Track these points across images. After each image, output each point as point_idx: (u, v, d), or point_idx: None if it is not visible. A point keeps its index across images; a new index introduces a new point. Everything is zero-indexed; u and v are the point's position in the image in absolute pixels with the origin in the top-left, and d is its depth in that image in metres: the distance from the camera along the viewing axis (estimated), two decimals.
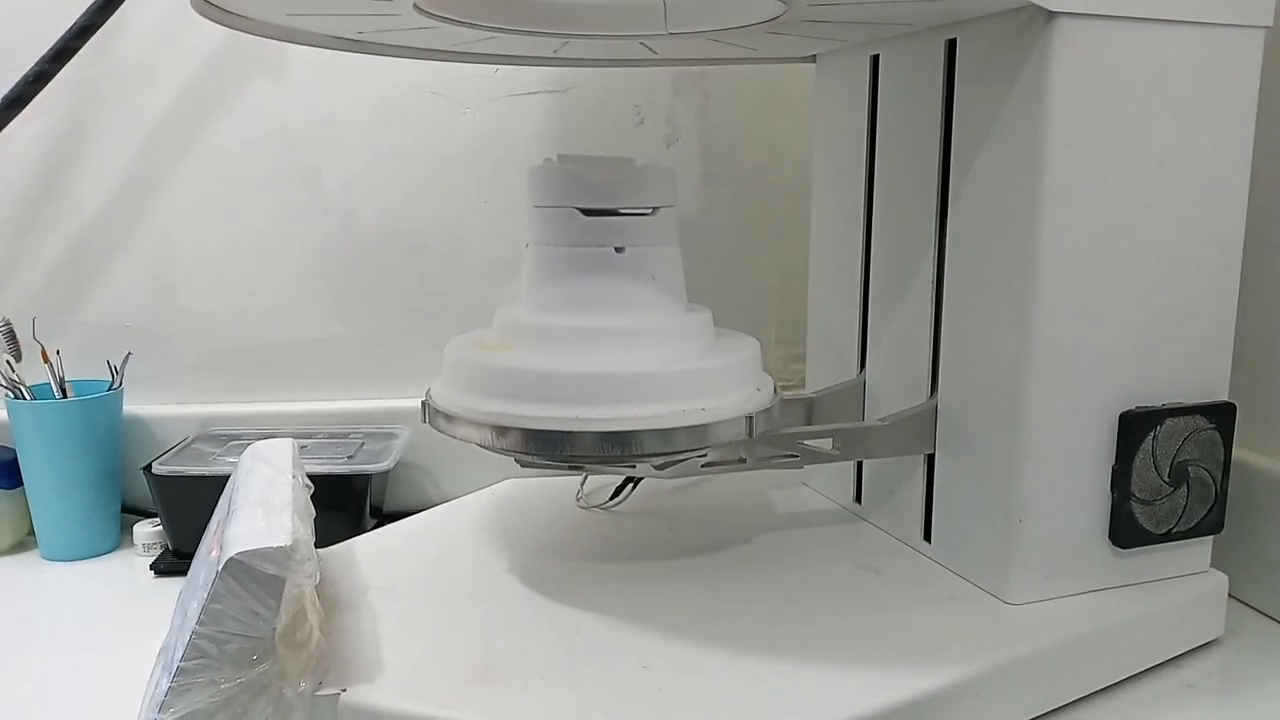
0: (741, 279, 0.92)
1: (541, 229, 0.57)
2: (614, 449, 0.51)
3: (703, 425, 0.53)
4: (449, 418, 0.55)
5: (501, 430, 0.53)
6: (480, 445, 0.55)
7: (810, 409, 0.69)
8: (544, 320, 0.57)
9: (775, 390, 0.59)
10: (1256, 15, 0.55)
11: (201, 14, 0.53)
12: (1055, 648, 0.54)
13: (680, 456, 0.57)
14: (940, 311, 0.62)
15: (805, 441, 0.62)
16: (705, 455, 0.60)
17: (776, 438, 0.61)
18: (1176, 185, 0.56)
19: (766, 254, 0.92)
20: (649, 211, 0.57)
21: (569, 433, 0.51)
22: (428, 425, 0.86)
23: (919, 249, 0.63)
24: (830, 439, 0.62)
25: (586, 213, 0.56)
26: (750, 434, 0.54)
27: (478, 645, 0.53)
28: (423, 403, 0.58)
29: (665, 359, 0.55)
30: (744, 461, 0.61)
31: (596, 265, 0.56)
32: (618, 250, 0.56)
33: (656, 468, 0.60)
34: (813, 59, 0.75)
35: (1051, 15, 0.52)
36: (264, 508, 0.50)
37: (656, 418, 0.52)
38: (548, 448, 0.52)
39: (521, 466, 0.60)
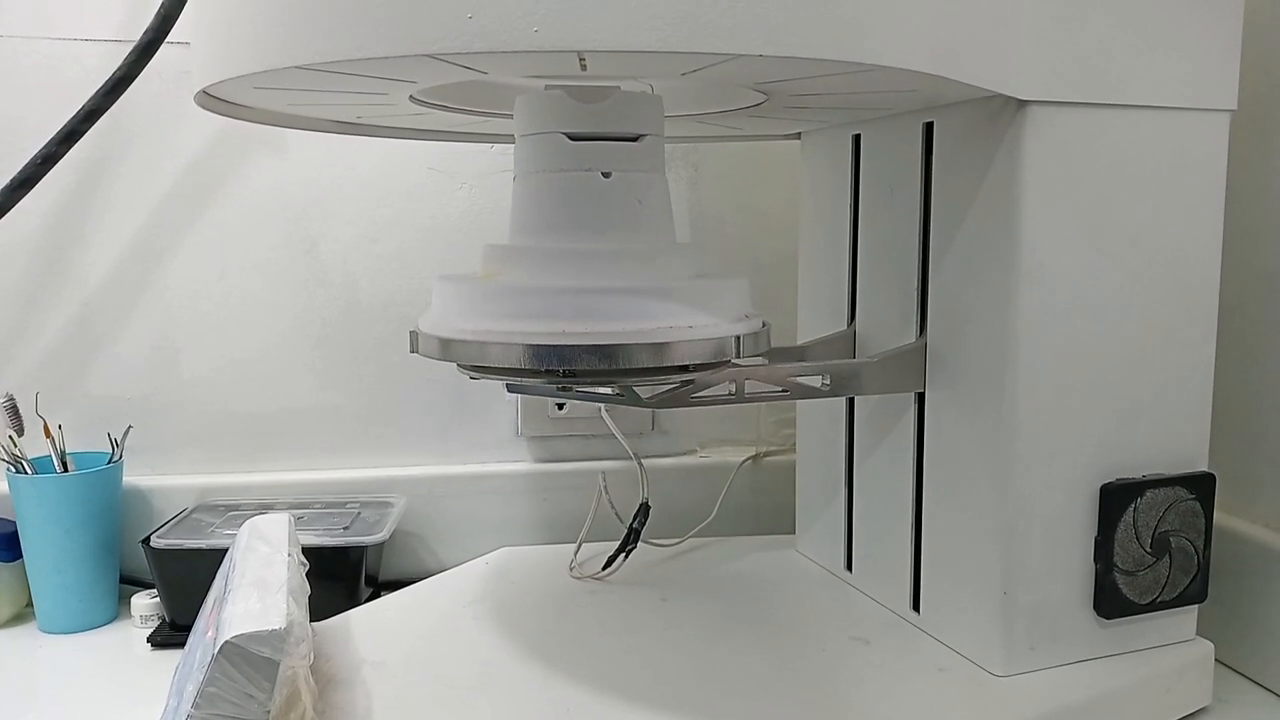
0: None
1: (528, 157, 0.56)
2: (602, 363, 0.51)
3: (692, 341, 0.52)
4: (436, 341, 0.54)
5: (491, 348, 0.52)
6: (469, 370, 0.54)
7: (802, 358, 0.70)
8: (532, 243, 0.56)
9: (765, 324, 0.58)
10: (1221, 100, 0.57)
11: (204, 107, 0.55)
12: None
13: (669, 379, 0.56)
14: (925, 382, 0.63)
15: (796, 378, 0.62)
16: (694, 383, 0.59)
17: (767, 372, 0.61)
18: (1150, 262, 0.58)
19: None
20: (635, 138, 0.56)
21: (557, 346, 0.51)
22: (424, 493, 0.88)
23: (901, 322, 0.64)
24: (820, 378, 0.62)
25: (573, 138, 0.55)
26: (738, 354, 0.54)
27: None
28: (411, 332, 0.57)
29: (655, 278, 0.54)
30: (734, 395, 0.60)
31: (584, 190, 0.55)
32: (605, 175, 0.55)
33: (647, 400, 0.60)
34: (797, 136, 0.78)
35: (1023, 103, 0.54)
36: (259, 589, 0.51)
37: (645, 332, 0.52)
38: (536, 362, 0.51)
39: (510, 391, 0.59)
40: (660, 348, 0.51)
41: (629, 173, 0.56)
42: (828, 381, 0.62)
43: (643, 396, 0.59)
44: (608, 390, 0.60)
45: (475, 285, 0.54)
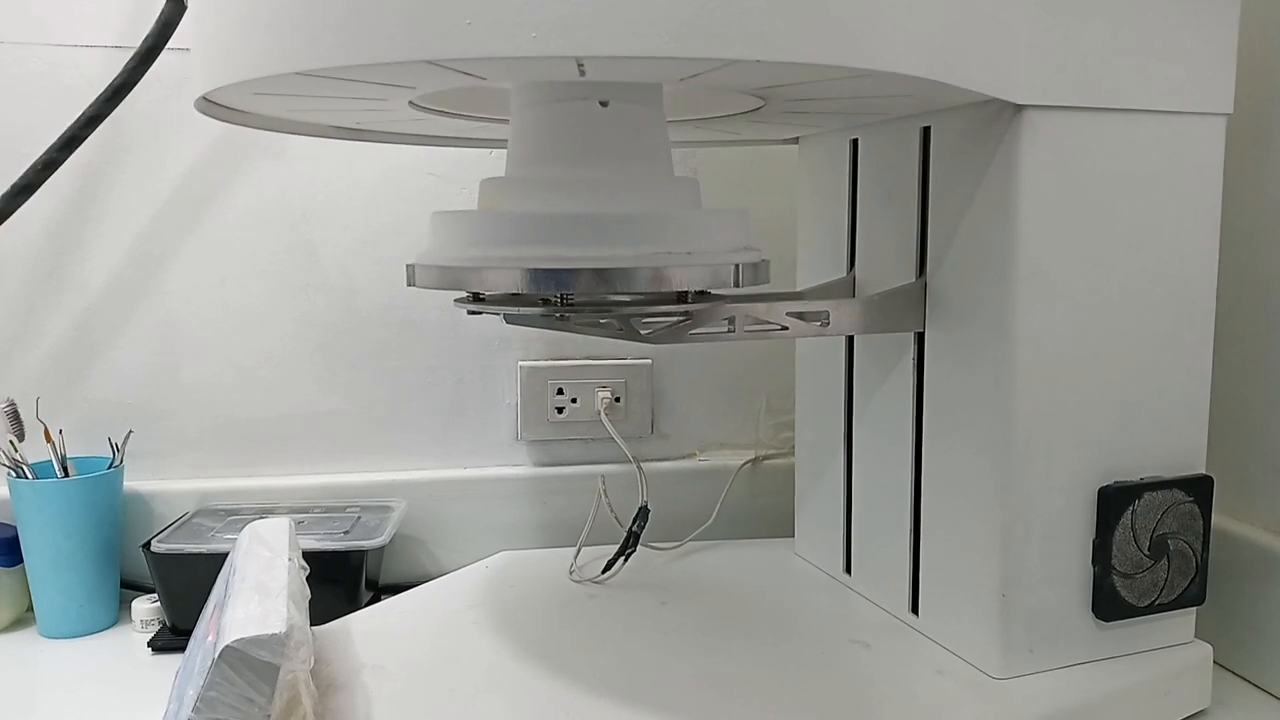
0: (730, 350, 0.93)
1: (525, 89, 0.55)
2: (600, 287, 0.50)
3: (690, 267, 0.52)
4: (434, 270, 0.53)
5: (488, 273, 0.51)
6: (467, 301, 0.53)
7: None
8: (528, 173, 0.55)
9: (764, 259, 0.57)
10: (1217, 104, 0.58)
11: (204, 112, 0.55)
12: None
13: (667, 310, 0.56)
14: (922, 393, 0.63)
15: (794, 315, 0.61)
16: (691, 320, 0.58)
17: (765, 309, 0.60)
18: (1147, 266, 0.58)
19: None
20: None
21: (555, 270, 0.50)
22: (424, 496, 0.88)
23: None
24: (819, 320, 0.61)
25: None
26: (737, 283, 0.53)
27: None
28: (407, 266, 0.56)
29: (653, 205, 0.54)
30: (731, 331, 0.59)
31: (580, 119, 0.54)
32: (602, 105, 0.55)
33: (645, 336, 0.59)
34: (795, 141, 0.78)
35: (1019, 107, 0.54)
36: (260, 593, 0.51)
37: (643, 257, 0.51)
38: (534, 287, 0.51)
39: (508, 323, 0.57)
40: (658, 273, 0.51)
41: (626, 103, 0.55)
42: (827, 322, 0.60)
43: (641, 334, 0.58)
44: (605, 322, 0.59)
45: (472, 215, 0.53)
